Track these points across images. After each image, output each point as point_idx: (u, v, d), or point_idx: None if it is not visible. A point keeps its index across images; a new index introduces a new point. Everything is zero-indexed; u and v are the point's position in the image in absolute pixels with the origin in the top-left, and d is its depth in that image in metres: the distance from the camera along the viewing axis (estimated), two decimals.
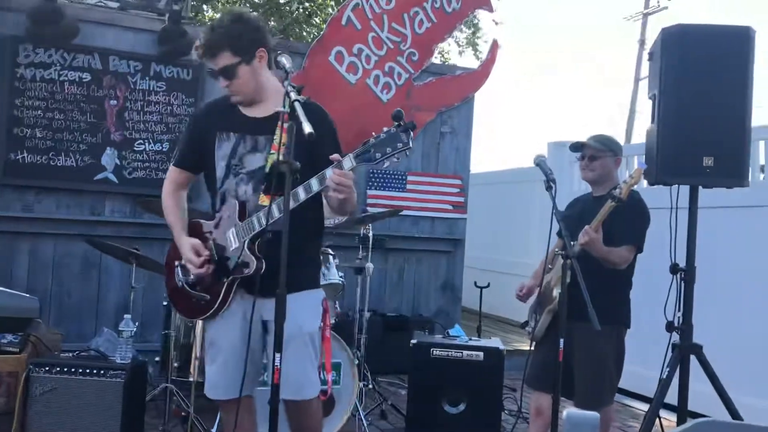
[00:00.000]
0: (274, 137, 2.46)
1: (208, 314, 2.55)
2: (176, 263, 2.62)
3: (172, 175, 2.74)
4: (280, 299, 2.08)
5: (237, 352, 2.50)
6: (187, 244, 2.56)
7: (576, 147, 3.44)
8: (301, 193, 2.39)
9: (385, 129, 2.36)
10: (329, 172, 2.32)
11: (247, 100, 2.55)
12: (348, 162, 2.34)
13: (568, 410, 0.97)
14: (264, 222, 2.39)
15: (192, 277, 2.57)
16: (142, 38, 5.33)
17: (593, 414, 0.96)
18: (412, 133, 2.35)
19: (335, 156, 2.34)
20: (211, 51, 2.48)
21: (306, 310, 2.56)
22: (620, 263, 3.18)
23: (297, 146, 2.17)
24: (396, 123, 2.33)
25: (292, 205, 2.28)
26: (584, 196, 3.62)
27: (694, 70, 3.20)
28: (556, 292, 3.14)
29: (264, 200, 2.43)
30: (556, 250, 2.98)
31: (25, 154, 4.99)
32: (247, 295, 2.49)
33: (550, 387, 3.26)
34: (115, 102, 5.22)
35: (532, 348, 3.42)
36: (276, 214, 2.35)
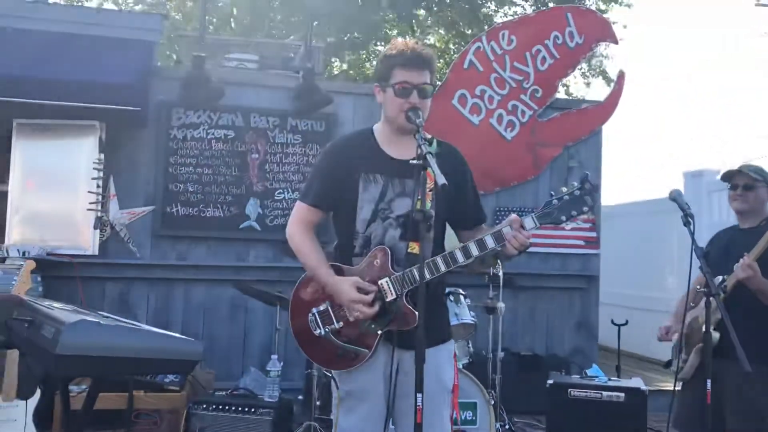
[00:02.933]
0: (427, 184, 2.39)
1: (356, 366, 2.43)
2: (313, 310, 2.50)
3: (304, 214, 2.58)
4: (419, 341, 2.15)
5: (380, 403, 2.42)
6: (347, 283, 2.41)
7: (729, 176, 3.30)
8: (474, 250, 2.39)
9: (565, 190, 2.38)
10: (507, 231, 2.35)
11: (407, 130, 2.43)
12: (530, 222, 2.37)
13: None
14: (427, 275, 2.35)
15: (337, 325, 2.45)
16: (279, 95, 5.74)
17: None
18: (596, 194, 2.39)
19: (516, 217, 2.37)
20: (421, 61, 2.43)
21: (446, 364, 2.56)
22: None
23: (437, 193, 2.25)
24: (580, 185, 2.36)
25: (462, 261, 2.39)
26: (729, 228, 3.46)
27: None
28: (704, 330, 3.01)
29: (414, 248, 2.30)
30: (698, 287, 2.87)
31: (179, 207, 5.48)
32: (388, 344, 2.41)
33: (700, 429, 3.12)
34: (257, 155, 5.63)
35: (679, 389, 3.28)
36: (442, 267, 2.39)
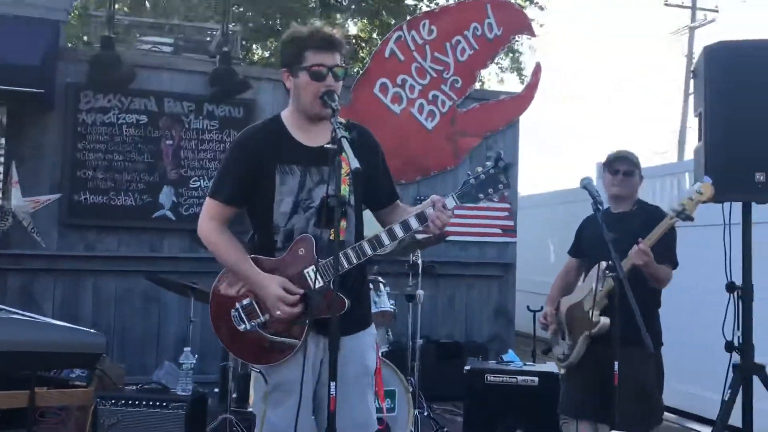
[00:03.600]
0: (342, 170, 2.32)
1: (286, 357, 2.38)
2: (237, 305, 2.41)
3: (216, 210, 2.47)
4: (334, 327, 2.12)
5: (309, 394, 2.38)
6: (273, 281, 2.36)
7: (610, 161, 3.36)
8: (399, 231, 2.38)
9: (481, 169, 2.42)
10: (430, 211, 2.35)
11: (323, 115, 2.38)
12: (451, 202, 2.39)
13: None
14: (354, 259, 2.36)
15: (264, 318, 2.38)
16: (195, 80, 5.56)
17: None
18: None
19: (437, 198, 2.38)
20: (334, 42, 2.39)
21: (370, 348, 2.57)
22: (665, 282, 3.15)
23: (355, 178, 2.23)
24: (493, 164, 2.40)
25: (388, 243, 2.38)
26: (602, 213, 3.51)
27: (739, 87, 3.18)
28: (594, 316, 3.08)
29: (337, 235, 2.23)
30: (608, 273, 2.94)
31: (88, 195, 5.23)
32: (316, 335, 2.38)
33: (592, 414, 3.22)
34: (171, 142, 5.44)
35: (564, 374, 3.36)
36: (368, 251, 2.37)
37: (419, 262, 4.53)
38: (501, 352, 5.58)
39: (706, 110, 3.25)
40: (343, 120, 2.35)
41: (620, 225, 3.10)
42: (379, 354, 3.28)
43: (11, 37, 4.90)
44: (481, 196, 2.41)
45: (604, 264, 2.97)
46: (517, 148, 6.49)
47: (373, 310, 4.13)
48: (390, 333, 4.50)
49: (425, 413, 4.55)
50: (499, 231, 6.44)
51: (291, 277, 2.40)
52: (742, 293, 3.20)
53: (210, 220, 2.48)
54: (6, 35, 4.90)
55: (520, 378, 4.03)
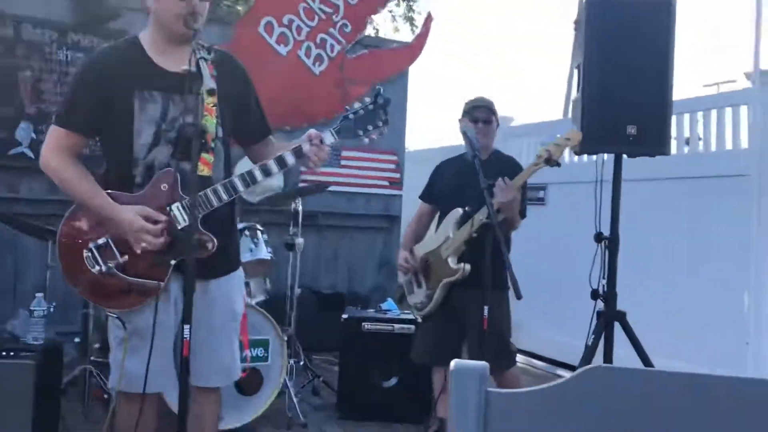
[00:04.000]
0: (207, 99, 2.16)
1: (146, 301, 2.21)
2: (90, 245, 2.21)
3: (63, 140, 2.25)
4: (189, 268, 1.97)
5: (169, 339, 2.25)
6: (132, 211, 2.16)
7: (472, 107, 3.33)
8: (274, 168, 2.26)
9: (358, 104, 2.34)
10: (306, 147, 2.25)
11: (185, 38, 2.17)
12: (329, 137, 2.30)
13: (455, 361, 0.92)
14: (224, 196, 2.21)
15: (122, 259, 2.19)
16: (57, 4, 5.05)
17: (482, 363, 0.91)
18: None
19: (315, 132, 2.29)
20: None
21: (237, 292, 2.48)
22: (517, 227, 3.21)
23: (222, 106, 2.09)
24: (372, 99, 2.34)
25: (262, 179, 2.24)
26: (455, 159, 3.51)
27: (617, 40, 3.22)
28: (453, 263, 3.09)
29: (204, 169, 2.12)
30: (482, 218, 2.93)
31: None
32: (179, 275, 2.20)
33: (446, 360, 3.24)
34: (30, 73, 4.95)
35: (420, 322, 3.37)
36: (240, 187, 2.23)
37: (299, 209, 4.38)
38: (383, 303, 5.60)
39: (584, 62, 3.28)
40: (205, 43, 2.18)
41: (473, 171, 2.95)
42: (245, 300, 3.13)
43: None
44: (360, 132, 2.35)
45: (460, 210, 2.97)
46: (406, 98, 6.43)
47: (250, 258, 4.01)
48: (268, 282, 4.36)
49: (302, 363, 4.48)
50: (386, 183, 6.40)
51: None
52: (609, 243, 3.30)
53: (57, 150, 2.25)
54: None
55: (397, 326, 4.01)
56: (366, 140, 2.39)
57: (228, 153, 2.40)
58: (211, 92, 1.93)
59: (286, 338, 3.93)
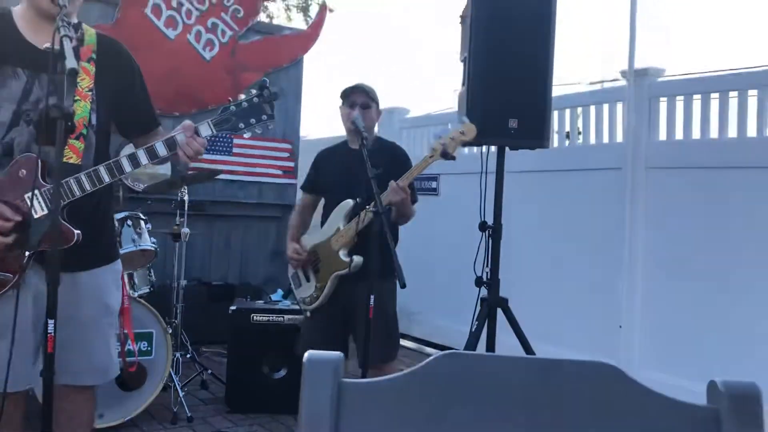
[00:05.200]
0: (81, 84, 2.08)
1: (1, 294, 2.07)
2: None
3: None
4: (53, 260, 1.86)
5: (29, 334, 2.11)
6: None
7: (346, 93, 3.23)
8: (143, 158, 2.12)
9: (243, 96, 2.24)
10: (181, 138, 2.12)
11: (52, 13, 2.00)
12: (206, 129, 2.17)
13: (309, 352, 0.91)
14: (87, 186, 2.07)
15: None
16: None
17: (337, 354, 0.91)
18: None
19: (189, 123, 2.16)
20: None
21: (112, 286, 2.34)
22: (410, 219, 3.18)
23: (103, 93, 1.97)
24: (258, 92, 2.23)
25: (130, 170, 2.11)
26: (337, 147, 3.42)
27: (500, 33, 3.31)
28: (344, 256, 3.05)
29: (72, 157, 2.04)
30: (368, 208, 2.92)
31: None
32: (39, 268, 2.08)
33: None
34: None
35: (308, 317, 3.27)
36: (106, 178, 2.09)
37: (186, 199, 4.25)
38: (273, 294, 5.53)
39: (469, 56, 3.36)
40: (74, 20, 2.06)
41: (361, 160, 2.90)
42: (127, 292, 3.01)
43: None
44: (242, 125, 2.23)
45: (351, 202, 2.94)
46: (301, 87, 6.36)
47: (133, 248, 3.85)
48: (152, 273, 4.21)
49: (189, 356, 4.37)
50: (279, 172, 6.32)
51: (8, 203, 2.06)
52: (493, 232, 3.41)
53: None
54: None
55: (286, 317, 3.98)
56: (247, 134, 2.31)
57: (103, 142, 2.26)
58: (71, 72, 1.80)
59: (170, 331, 3.81)
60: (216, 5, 5.70)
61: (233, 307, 4.00)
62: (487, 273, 3.41)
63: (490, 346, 3.46)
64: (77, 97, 2.13)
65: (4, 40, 2.11)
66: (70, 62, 1.79)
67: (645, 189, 4.45)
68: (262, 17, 6.47)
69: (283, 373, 3.97)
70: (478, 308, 3.42)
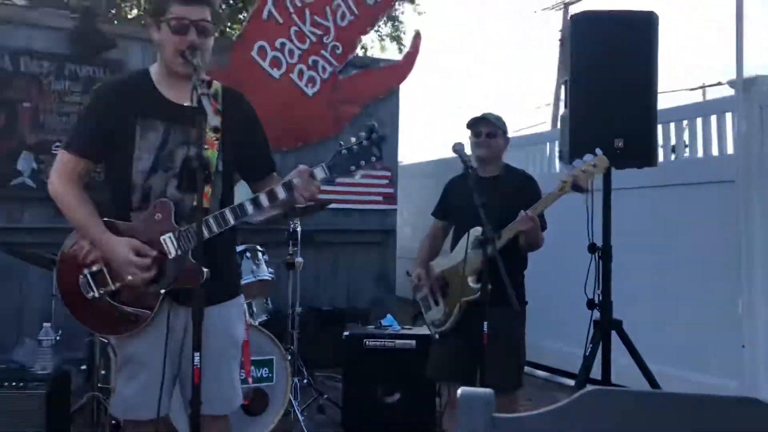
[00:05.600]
0: (206, 131, 2.20)
1: (137, 329, 2.26)
2: (85, 271, 2.26)
3: (69, 164, 2.31)
4: (198, 299, 2.04)
5: (168, 368, 2.26)
6: (123, 244, 2.22)
7: (473, 123, 3.31)
8: (264, 201, 2.28)
9: (354, 140, 2.35)
10: (297, 181, 2.27)
11: (184, 70, 2.25)
12: (321, 172, 2.31)
13: (462, 389, 1.00)
14: (215, 228, 2.25)
15: (114, 286, 2.24)
16: (54, 37, 5.14)
17: (488, 391, 0.99)
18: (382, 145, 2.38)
19: (305, 168, 2.30)
20: None
21: (237, 320, 2.50)
22: (540, 246, 3.22)
23: (226, 139, 2.15)
24: (367, 135, 2.34)
25: (252, 212, 2.28)
26: (465, 176, 3.34)
27: (602, 56, 3.32)
28: (473, 282, 3.11)
29: (200, 200, 2.15)
30: (479, 236, 2.99)
31: None
32: (175, 305, 2.25)
33: (460, 378, 3.29)
34: (29, 104, 5.02)
35: (437, 339, 3.32)
36: (231, 220, 2.27)
37: (298, 229, 4.46)
38: (382, 317, 5.66)
39: (572, 78, 3.39)
40: (206, 77, 2.25)
41: (489, 188, 3.09)
42: (247, 324, 3.19)
43: None
44: (353, 168, 2.35)
45: (480, 229, 2.98)
46: (398, 116, 6.52)
47: (251, 279, 4.07)
48: (269, 302, 4.43)
49: (305, 381, 4.54)
50: (380, 198, 6.48)
51: (146, 243, 2.26)
52: (602, 254, 3.39)
53: (61, 174, 2.31)
54: None
55: (398, 342, 4.09)
56: (358, 175, 2.43)
57: (227, 186, 2.45)
58: (215, 130, 1.99)
59: (289, 357, 4.00)
60: (316, 43, 5.97)
61: (346, 333, 4.14)
62: (598, 295, 3.39)
63: (606, 369, 3.42)
64: (206, 146, 2.31)
65: (144, 96, 2.34)
66: (213, 120, 1.99)
67: (761, 201, 4.28)
68: (358, 50, 6.68)
69: (397, 396, 4.07)
70: (591, 331, 3.40)
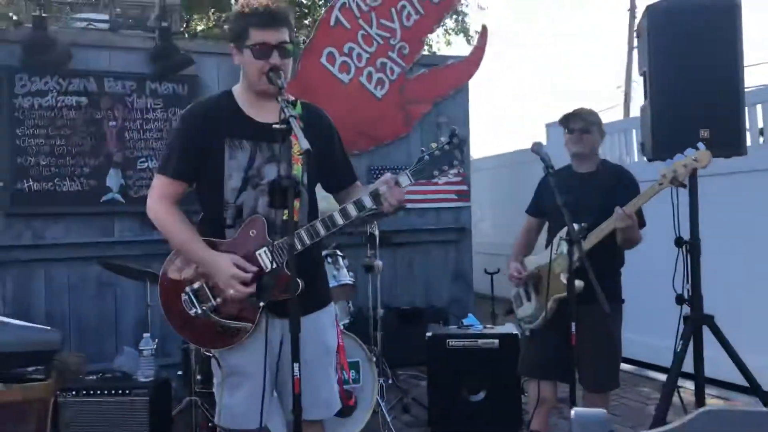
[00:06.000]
0: (293, 148, 2.31)
1: (239, 342, 2.36)
2: (187, 289, 2.38)
3: (165, 188, 2.42)
4: (294, 309, 2.11)
5: (268, 378, 2.36)
6: (226, 259, 2.32)
7: (566, 119, 3.31)
8: (352, 211, 2.36)
9: (435, 145, 2.40)
10: (383, 189, 2.33)
11: (269, 93, 2.34)
12: (405, 179, 2.36)
13: (576, 410, 1.02)
14: (307, 240, 2.34)
15: (216, 302, 2.35)
16: (134, 57, 5.38)
17: (601, 411, 1.00)
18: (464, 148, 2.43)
19: (390, 176, 2.36)
20: (277, 19, 2.33)
21: (330, 327, 2.57)
22: (637, 243, 3.17)
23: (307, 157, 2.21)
24: (448, 139, 2.40)
25: (342, 223, 2.37)
26: (561, 171, 3.34)
27: (682, 45, 3.23)
28: (565, 279, 3.10)
29: (289, 215, 2.22)
30: (563, 236, 2.98)
31: (31, 183, 5.05)
32: (271, 317, 2.32)
33: (555, 375, 3.28)
34: (114, 123, 5.27)
35: (527, 336, 3.35)
36: (322, 231, 2.36)
37: (376, 233, 4.53)
38: (461, 314, 5.67)
39: (651, 69, 3.31)
40: (291, 97, 2.33)
41: (586, 185, 3.10)
42: (341, 329, 3.28)
43: None
44: (436, 173, 2.40)
45: (576, 227, 2.96)
46: (468, 112, 6.50)
47: (333, 284, 4.16)
48: (351, 304, 4.52)
49: (390, 381, 4.61)
50: (454, 196, 6.48)
51: (243, 258, 2.36)
52: (690, 247, 3.30)
53: (159, 197, 2.43)
54: None
55: (480, 341, 4.10)
56: (441, 180, 2.46)
57: (313, 199, 2.52)
58: (307, 152, 2.06)
59: (374, 358, 4.07)
60: (383, 45, 6.02)
61: (429, 334, 4.18)
62: (687, 290, 3.30)
63: (698, 365, 3.33)
64: (292, 162, 2.38)
65: (229, 117, 2.43)
66: (304, 144, 2.06)
67: None
68: (424, 48, 6.70)
69: (482, 395, 4.08)
70: (681, 327, 3.31)
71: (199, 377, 4.04)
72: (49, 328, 2.07)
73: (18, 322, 2.13)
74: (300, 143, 2.08)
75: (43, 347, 1.97)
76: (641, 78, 3.47)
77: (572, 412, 1.01)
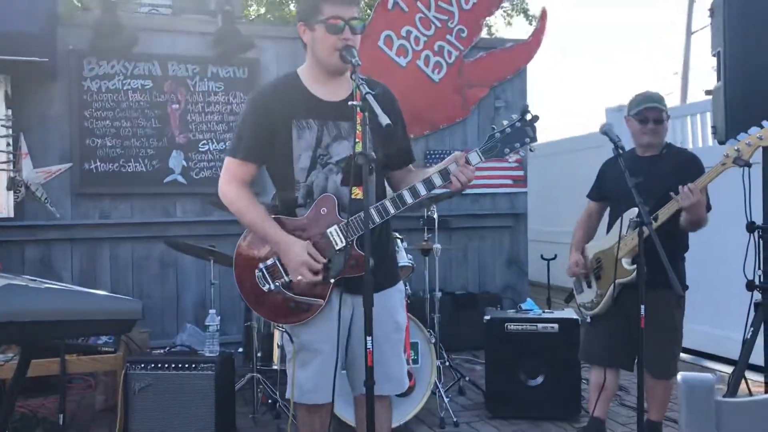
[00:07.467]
0: (357, 125, 2.31)
1: (310, 317, 2.40)
2: (260, 266, 2.43)
3: (236, 169, 2.46)
4: (368, 285, 2.13)
5: (335, 353, 2.39)
6: (299, 245, 2.36)
7: (641, 108, 3.24)
8: (422, 190, 2.37)
9: (506, 122, 2.39)
10: (453, 168, 2.34)
11: (341, 70, 2.40)
12: (475, 157, 2.37)
13: (684, 374, 1.01)
14: (377, 219, 2.36)
15: (287, 279, 2.39)
16: (197, 41, 5.48)
17: (708, 376, 1.00)
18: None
19: (460, 154, 2.37)
20: None
21: (400, 305, 2.59)
22: (703, 225, 3.11)
23: (373, 134, 2.21)
24: (520, 116, 2.38)
25: (411, 202, 2.38)
26: (626, 155, 3.19)
27: (757, 24, 3.13)
28: (627, 264, 3.06)
29: (358, 193, 2.27)
30: (634, 218, 2.93)
31: (98, 163, 5.21)
32: (343, 293, 2.37)
33: (618, 362, 3.24)
34: (177, 106, 5.39)
35: (588, 322, 3.33)
36: (391, 210, 2.38)
37: (435, 216, 4.54)
38: (515, 301, 5.65)
39: (725, 49, 3.21)
40: (363, 76, 2.34)
41: (651, 169, 3.06)
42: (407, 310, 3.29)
43: (9, 3, 4.79)
44: (507, 150, 2.38)
45: (636, 210, 2.92)
46: (526, 96, 6.42)
47: None
48: (408, 287, 4.53)
49: (446, 363, 4.63)
50: (510, 182, 6.43)
51: (313, 237, 2.41)
52: (763, 232, 3.21)
53: (230, 180, 2.47)
54: (3, 2, 4.80)
55: (540, 326, 4.07)
56: (513, 158, 2.43)
57: (379, 178, 2.53)
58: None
59: (432, 340, 4.08)
60: (441, 28, 5.98)
61: (487, 317, 4.17)
62: (759, 276, 3.22)
63: None
64: (357, 140, 2.39)
65: (296, 97, 2.45)
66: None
67: None
68: (483, 30, 6.63)
69: (540, 380, 4.06)
70: (752, 314, 3.23)
71: (259, 354, 4.14)
72: (129, 298, 2.14)
73: (99, 292, 2.21)
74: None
75: (126, 316, 2.03)
76: (690, 68, 3.37)
77: (679, 376, 1.01)
